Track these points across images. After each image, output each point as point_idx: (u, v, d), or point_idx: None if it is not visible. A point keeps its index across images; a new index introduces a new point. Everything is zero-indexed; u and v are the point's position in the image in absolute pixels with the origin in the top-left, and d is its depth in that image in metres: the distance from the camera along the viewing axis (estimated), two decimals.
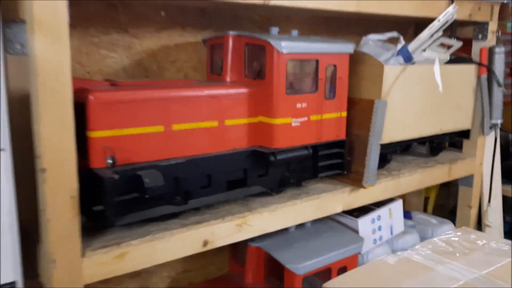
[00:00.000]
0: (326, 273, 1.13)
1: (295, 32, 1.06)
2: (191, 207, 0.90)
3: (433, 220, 1.58)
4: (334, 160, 1.11)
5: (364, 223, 1.30)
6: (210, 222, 0.92)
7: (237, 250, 1.22)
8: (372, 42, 1.29)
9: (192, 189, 0.90)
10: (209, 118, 0.92)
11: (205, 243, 0.92)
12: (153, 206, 0.85)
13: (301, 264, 1.05)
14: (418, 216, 1.62)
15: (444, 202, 1.91)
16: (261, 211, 1.00)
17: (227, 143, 0.95)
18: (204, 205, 0.93)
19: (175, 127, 0.88)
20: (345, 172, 1.13)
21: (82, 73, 1.02)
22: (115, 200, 0.78)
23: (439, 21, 1.12)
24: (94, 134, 0.78)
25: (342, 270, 1.16)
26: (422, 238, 1.49)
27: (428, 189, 1.80)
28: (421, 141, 1.39)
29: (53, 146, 0.72)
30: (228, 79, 1.01)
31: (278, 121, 0.96)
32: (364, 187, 1.15)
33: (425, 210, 1.82)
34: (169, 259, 0.88)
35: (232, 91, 0.95)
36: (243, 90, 0.96)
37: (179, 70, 1.18)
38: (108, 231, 0.86)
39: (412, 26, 1.68)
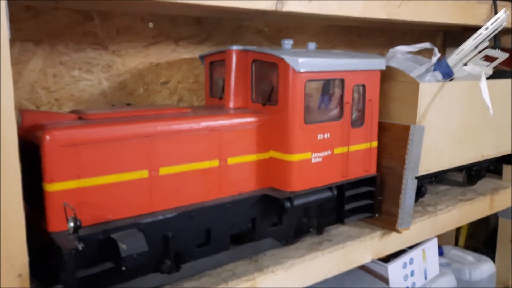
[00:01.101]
0: None
1: (312, 45, 0.87)
2: (184, 276, 0.70)
3: (469, 257, 1.38)
4: (363, 201, 0.90)
5: (394, 269, 1.09)
6: None
7: None
8: (401, 55, 1.09)
9: (185, 250, 0.70)
10: (207, 157, 0.72)
11: None
12: (133, 277, 0.65)
13: None
14: (452, 252, 1.41)
15: (476, 231, 1.70)
16: (274, 270, 0.79)
17: (231, 187, 0.76)
18: (202, 271, 0.73)
19: (163, 171, 0.68)
20: (376, 215, 0.92)
21: (48, 101, 0.82)
22: (79, 275, 0.58)
23: (487, 28, 0.92)
24: (51, 187, 0.59)
25: None
26: (459, 280, 1.29)
27: None
28: (458, 169, 1.18)
29: None
30: (231, 105, 0.81)
31: (295, 157, 0.76)
32: (398, 231, 0.95)
33: (456, 243, 1.61)
34: None
35: (236, 121, 0.75)
36: (250, 119, 0.77)
37: (172, 93, 0.98)
38: None
39: (440, 35, 1.48)
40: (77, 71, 0.85)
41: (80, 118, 0.66)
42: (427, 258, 1.18)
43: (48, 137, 0.58)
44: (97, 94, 0.87)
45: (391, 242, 0.97)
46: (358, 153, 0.86)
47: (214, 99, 0.89)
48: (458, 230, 1.61)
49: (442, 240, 1.58)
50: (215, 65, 0.89)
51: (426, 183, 1.12)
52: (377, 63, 0.86)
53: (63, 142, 0.59)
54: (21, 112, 0.62)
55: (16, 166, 0.53)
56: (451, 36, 1.49)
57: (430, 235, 1.06)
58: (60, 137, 0.59)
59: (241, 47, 0.81)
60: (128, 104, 0.90)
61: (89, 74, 0.86)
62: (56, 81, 0.83)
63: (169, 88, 0.98)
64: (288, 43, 0.84)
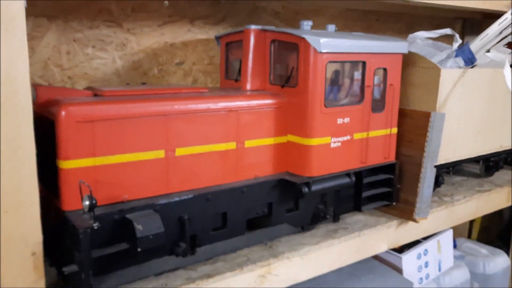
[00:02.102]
0: None
1: (331, 27, 0.84)
2: (199, 259, 0.68)
3: (483, 249, 1.35)
4: (381, 189, 0.88)
5: (409, 260, 1.07)
6: (225, 274, 0.70)
7: None
8: (420, 41, 1.06)
9: (201, 233, 0.68)
10: (224, 139, 0.70)
11: None
12: (148, 259, 0.63)
13: None
14: (465, 244, 1.39)
15: (490, 224, 1.67)
16: (290, 256, 0.77)
17: (247, 171, 0.74)
18: (217, 255, 0.71)
19: (180, 151, 0.66)
20: (394, 203, 0.90)
21: (61, 79, 0.80)
22: (94, 255, 0.56)
23: None
24: (67, 164, 0.57)
25: None
26: (472, 273, 1.26)
27: None
28: (476, 159, 1.16)
29: (4, 183, 0.50)
30: (248, 86, 0.79)
31: (314, 141, 0.74)
32: (415, 221, 0.92)
33: (469, 236, 1.59)
34: None
35: (254, 102, 0.73)
36: (268, 101, 0.74)
37: (187, 74, 0.96)
38: None
39: (459, 23, 1.44)
40: (90, 48, 0.83)
41: (95, 95, 0.64)
42: (441, 249, 1.16)
43: (63, 113, 0.56)
44: (111, 73, 0.85)
45: (407, 231, 0.95)
46: (377, 139, 0.84)
47: (229, 81, 0.87)
48: (471, 223, 1.58)
49: (455, 232, 1.55)
50: (231, 46, 0.87)
51: (443, 173, 1.09)
52: (399, 46, 0.83)
53: (79, 118, 0.57)
54: (35, 87, 0.60)
55: (31, 141, 0.51)
56: (470, 24, 1.45)
57: (447, 225, 1.04)
58: (76, 113, 0.57)
59: (259, 27, 0.79)
60: (143, 83, 0.88)
61: (103, 52, 0.84)
62: (69, 58, 0.80)
63: (183, 69, 0.96)
64: (307, 24, 0.81)
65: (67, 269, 0.54)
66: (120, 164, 0.61)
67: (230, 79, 0.87)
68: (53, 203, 0.59)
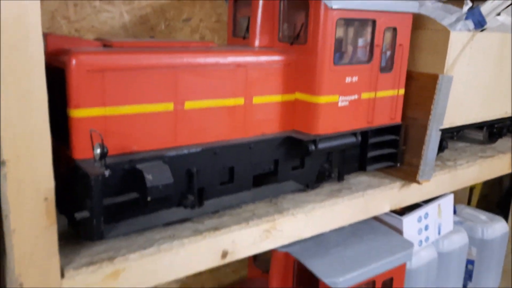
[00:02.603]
0: (369, 287, 0.93)
1: None
2: (206, 211, 0.69)
3: (482, 216, 1.37)
4: (386, 150, 0.89)
5: (409, 222, 1.09)
6: (231, 227, 0.72)
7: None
8: (430, 3, 1.05)
9: (209, 187, 0.69)
10: (232, 94, 0.70)
11: (224, 255, 0.72)
12: (157, 209, 0.64)
13: (341, 278, 0.85)
14: (464, 210, 1.40)
15: (489, 192, 1.69)
16: (294, 213, 0.79)
17: (255, 127, 0.74)
18: (224, 208, 0.72)
19: (188, 105, 0.66)
20: (398, 165, 0.91)
21: (68, 31, 0.80)
22: (105, 203, 0.57)
23: None
24: (78, 113, 0.57)
25: (388, 283, 0.95)
26: (471, 238, 1.28)
27: None
28: (479, 125, 1.16)
29: (16, 128, 0.51)
30: (257, 43, 0.78)
31: (322, 99, 0.74)
32: (418, 182, 0.93)
33: (468, 202, 1.60)
34: (177, 276, 0.68)
35: (263, 58, 0.73)
36: (277, 58, 0.74)
37: (194, 31, 0.95)
38: (98, 241, 0.65)
39: None
40: (98, 1, 0.82)
41: (104, 45, 0.64)
42: (442, 213, 1.18)
43: (74, 61, 0.56)
44: (118, 27, 0.84)
45: (410, 193, 0.96)
46: (385, 99, 0.84)
47: (237, 39, 0.86)
48: (471, 190, 1.60)
49: (455, 200, 1.57)
50: (239, 3, 0.86)
51: (447, 138, 1.10)
52: (410, 5, 0.82)
53: (89, 67, 0.57)
54: (45, 35, 0.59)
55: (43, 87, 0.51)
56: None
57: (449, 189, 1.05)
58: (86, 62, 0.57)
59: None
60: (151, 37, 0.87)
61: (110, 5, 0.83)
62: (76, 10, 0.80)
63: (190, 26, 0.95)
64: None
65: (78, 215, 0.55)
66: (130, 115, 0.61)
67: (238, 36, 0.86)
68: (64, 153, 0.60)
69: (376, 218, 1.09)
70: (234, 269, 1.07)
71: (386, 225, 1.09)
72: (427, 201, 1.15)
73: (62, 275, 0.58)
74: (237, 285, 1.00)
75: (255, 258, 1.03)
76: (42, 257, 0.55)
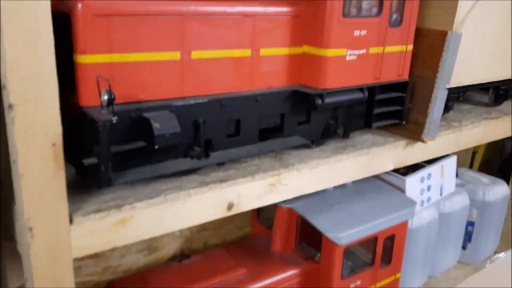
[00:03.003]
0: (371, 243, 0.94)
1: None
2: (213, 162, 0.69)
3: (484, 179, 1.38)
4: (392, 107, 0.88)
5: (412, 182, 1.10)
6: (237, 180, 0.72)
7: (262, 208, 1.03)
8: None
9: (215, 138, 0.69)
10: (240, 45, 0.69)
11: (230, 207, 0.73)
12: (164, 159, 0.65)
13: (344, 233, 0.86)
14: (466, 173, 1.41)
15: (491, 157, 1.69)
16: (299, 168, 0.79)
17: (261, 80, 0.73)
18: (230, 160, 0.72)
19: (195, 55, 0.65)
20: (404, 122, 0.91)
21: None
22: (113, 150, 0.57)
23: None
24: (84, 59, 0.56)
25: (390, 239, 0.97)
26: (472, 200, 1.30)
27: None
28: (485, 86, 1.15)
29: (23, 71, 0.50)
30: None
31: (330, 52, 0.73)
32: (423, 141, 0.93)
33: (470, 166, 1.61)
34: (184, 226, 0.69)
35: (271, 9, 0.71)
36: (285, 9, 0.73)
37: None
38: (105, 189, 0.66)
39: None
40: None
41: None
42: (444, 174, 1.18)
43: (80, 5, 0.55)
44: None
45: (414, 152, 0.97)
46: (393, 55, 0.83)
47: None
48: (473, 154, 1.60)
49: (458, 163, 1.58)
50: None
51: (453, 98, 1.09)
52: None
53: (96, 11, 0.56)
54: None
55: (49, 30, 0.51)
56: None
57: (453, 149, 1.05)
58: (93, 6, 0.55)
59: None
60: None
61: None
62: None
63: None
64: None
65: (87, 161, 0.56)
66: (136, 63, 0.60)
67: None
68: (71, 101, 0.60)
69: (379, 178, 1.10)
70: (238, 226, 1.09)
71: (389, 185, 1.09)
72: (430, 162, 1.16)
73: (71, 221, 0.58)
74: (240, 241, 1.02)
75: (259, 214, 1.04)
76: (51, 202, 0.56)
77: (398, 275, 1.01)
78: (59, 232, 0.57)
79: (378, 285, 0.98)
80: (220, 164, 0.73)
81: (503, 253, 0.82)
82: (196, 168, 0.69)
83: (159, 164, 0.64)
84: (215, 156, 0.69)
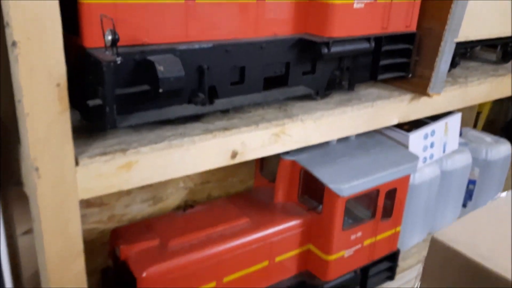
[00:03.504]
0: (372, 196, 0.95)
1: None
2: (217, 108, 0.69)
3: (487, 138, 1.38)
4: (398, 59, 0.87)
5: (415, 139, 1.10)
6: (241, 129, 0.72)
7: (266, 162, 1.03)
8: None
9: (219, 85, 0.69)
10: None
11: (234, 155, 0.73)
12: (168, 104, 0.65)
13: (346, 184, 0.87)
14: (470, 133, 1.41)
15: (495, 118, 1.69)
16: (303, 119, 0.79)
17: (267, 27, 0.72)
18: (234, 107, 0.72)
19: None
20: (410, 75, 0.90)
21: None
22: (117, 92, 0.57)
23: None
24: None
25: (392, 193, 0.98)
26: (475, 159, 1.30)
27: (481, 103, 1.57)
28: (493, 43, 1.14)
29: (25, 7, 0.50)
30: None
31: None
32: (428, 95, 0.93)
33: (474, 126, 1.61)
34: (188, 173, 0.69)
35: None
36: None
37: None
38: (110, 134, 0.66)
39: None
40: None
41: None
42: (448, 132, 1.18)
43: None
44: None
45: (419, 107, 0.96)
46: (401, 5, 0.81)
47: None
48: (477, 115, 1.59)
49: (462, 123, 1.57)
50: None
51: (460, 54, 1.08)
52: None
53: None
54: None
55: None
56: None
57: (458, 105, 1.05)
58: None
59: None
60: None
61: None
62: None
63: None
64: None
65: (91, 102, 0.56)
66: (141, 5, 0.59)
67: None
68: (75, 43, 0.59)
69: (382, 134, 1.10)
70: (241, 179, 1.10)
71: (393, 141, 1.09)
72: (434, 119, 1.15)
73: (77, 163, 0.59)
74: (243, 192, 1.03)
75: (262, 168, 1.05)
76: (56, 142, 0.56)
77: (398, 229, 1.03)
78: (65, 173, 0.58)
79: (378, 237, 0.99)
80: (224, 112, 0.73)
81: (505, 192, 0.82)
82: (200, 114, 0.70)
83: (163, 109, 0.64)
84: (219, 103, 0.69)
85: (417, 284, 0.38)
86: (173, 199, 1.01)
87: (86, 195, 0.61)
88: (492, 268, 0.34)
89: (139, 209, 0.96)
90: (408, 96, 0.93)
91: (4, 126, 0.68)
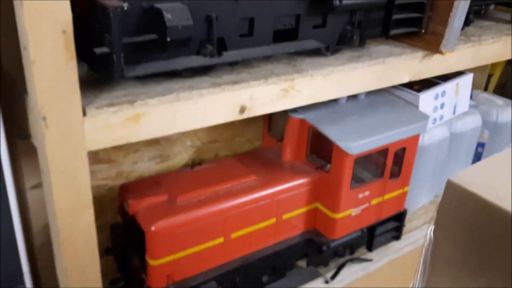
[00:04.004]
0: (381, 155, 0.95)
1: None
2: (226, 60, 0.67)
3: (498, 100, 1.36)
4: (411, 14, 0.85)
5: (426, 99, 1.08)
6: (250, 83, 0.71)
7: (274, 121, 1.03)
8: None
9: (228, 37, 0.67)
10: None
11: (242, 110, 0.72)
12: (176, 55, 0.63)
13: (355, 142, 0.86)
14: (481, 95, 1.39)
15: (507, 81, 1.66)
16: (313, 74, 0.77)
17: None
18: (243, 59, 0.71)
19: None
20: (422, 31, 0.88)
21: None
22: (124, 41, 0.56)
23: None
24: None
25: (401, 152, 0.97)
26: (485, 121, 1.28)
27: (493, 65, 1.54)
28: (507, 1, 1.10)
29: None
30: None
31: None
32: (441, 53, 0.91)
33: (485, 89, 1.58)
34: (196, 127, 0.68)
35: None
36: None
37: None
38: (117, 86, 0.65)
39: None
40: None
41: None
42: (459, 93, 1.16)
43: None
44: None
45: (431, 65, 0.94)
46: None
47: None
48: (489, 77, 1.57)
49: (473, 85, 1.55)
50: None
51: (474, 11, 1.05)
52: None
53: None
54: None
55: None
56: None
57: (471, 64, 1.02)
58: None
59: None
60: None
61: None
62: None
63: None
64: None
65: (98, 50, 0.54)
66: None
67: None
68: None
69: (393, 94, 1.08)
70: (249, 139, 1.09)
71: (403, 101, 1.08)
72: (445, 80, 1.13)
73: (84, 113, 0.58)
74: (251, 151, 1.02)
75: (270, 127, 1.04)
76: (64, 91, 0.55)
77: (406, 189, 1.03)
78: (73, 123, 0.58)
79: (386, 197, 0.99)
80: (233, 66, 0.71)
81: None
82: (209, 67, 0.68)
83: (171, 59, 0.63)
84: (228, 55, 0.68)
85: (431, 228, 0.38)
86: (181, 157, 1.01)
87: (94, 147, 0.61)
88: (509, 210, 0.33)
89: (147, 167, 0.96)
90: (420, 54, 0.91)
91: (10, 77, 0.67)
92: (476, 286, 0.35)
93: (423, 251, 0.39)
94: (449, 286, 0.38)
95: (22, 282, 0.69)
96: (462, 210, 0.35)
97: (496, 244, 0.34)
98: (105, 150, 0.89)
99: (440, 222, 0.37)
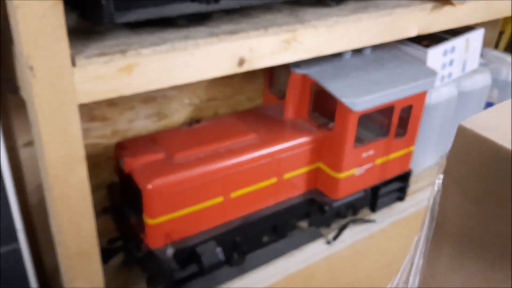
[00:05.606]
0: (386, 112, 0.91)
1: None
2: (223, 7, 0.63)
3: (509, 58, 1.31)
4: None
5: (434, 55, 1.04)
6: (249, 33, 0.67)
7: (275, 77, 0.99)
8: None
9: None
10: None
11: (241, 62, 0.69)
12: (170, 1, 0.59)
13: (360, 99, 0.82)
14: (491, 53, 1.34)
15: None
16: (316, 25, 0.73)
17: None
18: (242, 6, 0.67)
19: None
20: None
21: None
22: None
23: None
24: None
25: (407, 109, 0.94)
26: (495, 80, 1.24)
27: (504, 22, 1.48)
28: None
29: None
30: None
31: None
32: (451, 4, 0.86)
33: (496, 47, 1.53)
34: (192, 80, 0.65)
35: None
36: None
37: None
38: (108, 35, 0.62)
39: None
40: None
41: None
42: (469, 49, 1.12)
43: None
44: None
45: (441, 17, 0.89)
46: None
47: None
48: (500, 35, 1.51)
49: (483, 43, 1.49)
50: None
51: None
52: None
53: None
54: None
55: None
56: None
57: (482, 18, 0.98)
58: None
59: None
60: None
61: None
62: None
63: None
64: None
65: None
66: None
67: None
68: None
69: (399, 49, 1.04)
70: (249, 97, 1.06)
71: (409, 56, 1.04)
72: (455, 35, 1.09)
73: (73, 63, 0.55)
74: (251, 109, 0.99)
75: (271, 85, 1.00)
76: (51, 38, 0.52)
77: (411, 148, 1.00)
78: (62, 73, 0.55)
79: (391, 156, 0.96)
80: (231, 15, 0.67)
81: None
82: (205, 14, 0.64)
83: (164, 6, 0.59)
84: (225, 2, 0.64)
85: (440, 176, 0.35)
86: (178, 115, 0.98)
87: (85, 99, 0.58)
88: None
89: (143, 125, 0.93)
90: (429, 5, 0.86)
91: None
92: (488, 235, 0.32)
93: (431, 201, 0.36)
94: (457, 238, 0.35)
95: (15, 240, 0.68)
96: (474, 157, 0.32)
97: (509, 190, 0.31)
98: (99, 107, 0.86)
99: (450, 170, 0.34)
